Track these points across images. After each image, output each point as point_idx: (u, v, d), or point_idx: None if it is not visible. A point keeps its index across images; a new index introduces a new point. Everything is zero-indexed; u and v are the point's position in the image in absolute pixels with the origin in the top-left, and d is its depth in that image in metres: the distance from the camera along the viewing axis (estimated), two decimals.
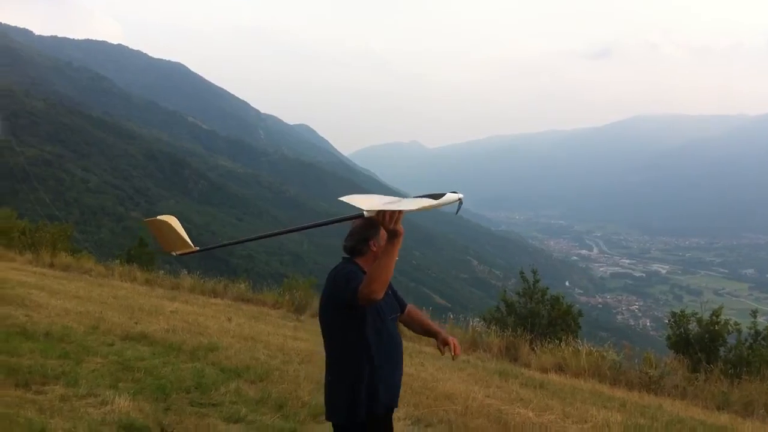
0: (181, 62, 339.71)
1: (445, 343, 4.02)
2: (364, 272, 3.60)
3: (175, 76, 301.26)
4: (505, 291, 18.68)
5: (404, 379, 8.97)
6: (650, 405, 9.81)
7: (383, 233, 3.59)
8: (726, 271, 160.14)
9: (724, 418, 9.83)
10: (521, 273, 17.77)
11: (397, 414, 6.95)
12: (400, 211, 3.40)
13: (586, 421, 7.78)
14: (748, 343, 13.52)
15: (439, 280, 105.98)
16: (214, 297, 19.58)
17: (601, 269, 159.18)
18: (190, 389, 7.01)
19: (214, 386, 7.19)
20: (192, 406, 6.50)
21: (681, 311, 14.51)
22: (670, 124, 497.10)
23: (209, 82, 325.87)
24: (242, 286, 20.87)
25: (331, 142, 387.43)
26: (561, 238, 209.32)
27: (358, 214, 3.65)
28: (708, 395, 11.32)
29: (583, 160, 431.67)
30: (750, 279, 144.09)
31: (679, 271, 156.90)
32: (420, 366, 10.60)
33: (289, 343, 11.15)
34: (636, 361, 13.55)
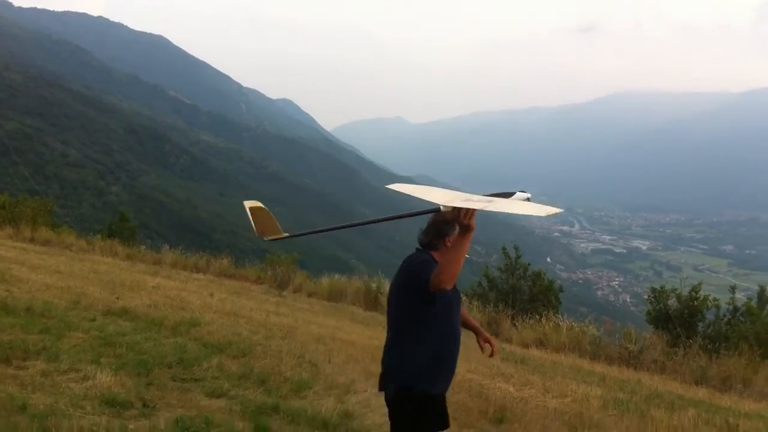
0: (163, 35, 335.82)
1: (486, 341, 4.42)
2: (437, 263, 3.73)
3: (157, 49, 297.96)
4: (487, 267, 18.78)
5: None
6: (629, 379, 9.93)
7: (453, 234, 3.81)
8: (706, 247, 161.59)
9: (702, 393, 9.98)
10: (503, 249, 17.85)
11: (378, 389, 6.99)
12: (474, 209, 3.48)
13: (566, 396, 7.86)
14: (726, 319, 13.70)
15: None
16: (197, 272, 19.55)
17: (582, 245, 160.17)
18: (172, 364, 6.99)
19: (196, 361, 7.18)
20: (174, 381, 6.49)
21: (661, 287, 14.64)
22: (653, 101, 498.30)
23: (191, 56, 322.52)
24: (225, 261, 20.85)
25: (313, 117, 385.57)
26: None
27: (435, 209, 3.73)
28: (686, 370, 11.47)
29: (566, 137, 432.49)
30: (729, 255, 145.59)
31: (660, 248, 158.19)
32: None
33: (272, 319, 11.16)
34: (616, 336, 13.69)
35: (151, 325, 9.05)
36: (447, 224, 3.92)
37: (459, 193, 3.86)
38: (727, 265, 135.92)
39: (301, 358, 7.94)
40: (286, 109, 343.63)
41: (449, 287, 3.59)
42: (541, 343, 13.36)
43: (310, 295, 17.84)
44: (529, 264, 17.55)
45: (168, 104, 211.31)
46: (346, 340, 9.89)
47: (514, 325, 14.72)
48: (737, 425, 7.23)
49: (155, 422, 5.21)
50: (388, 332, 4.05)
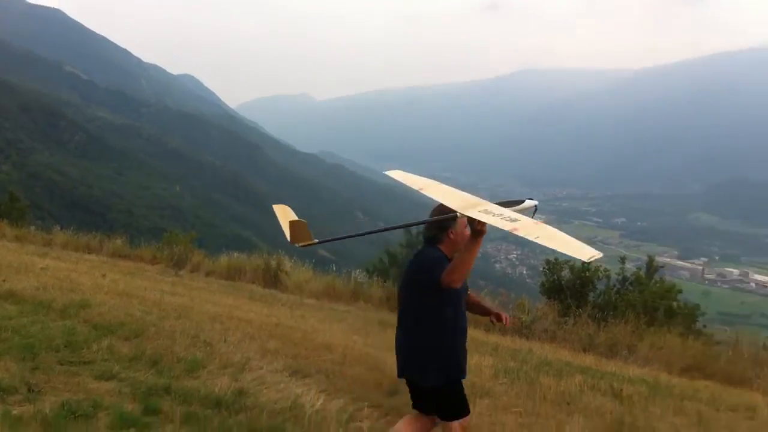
0: (59, 8, 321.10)
1: (497, 317, 4.74)
2: (447, 257, 4.20)
3: (53, 23, 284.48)
4: (388, 243, 18.93)
5: (284, 330, 9.02)
6: (521, 349, 10.25)
7: (461, 222, 4.21)
8: (600, 220, 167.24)
9: (589, 359, 10.41)
10: None
11: (275, 366, 6.99)
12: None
13: None
14: (615, 288, 14.30)
15: (324, 232, 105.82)
16: (89, 253, 18.95)
17: None
18: (59, 347, 6.78)
19: (85, 344, 6.98)
20: (61, 364, 6.30)
21: (555, 259, 15.09)
22: (556, 77, 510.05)
23: (89, 30, 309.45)
24: (119, 241, 20.24)
25: (217, 93, 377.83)
26: None
27: (453, 216, 4.15)
28: (575, 338, 11.93)
29: (470, 114, 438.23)
30: (621, 227, 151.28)
31: (556, 221, 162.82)
32: (301, 318, 10.67)
33: (167, 299, 10.96)
34: (510, 307, 14.05)
35: (39, 307, 8.72)
36: (448, 218, 4.23)
37: (473, 198, 4.16)
38: (619, 236, 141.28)
39: (195, 337, 7.84)
40: (188, 85, 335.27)
41: (459, 285, 3.98)
42: None
43: (207, 274, 17.56)
44: None
45: (64, 80, 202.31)
46: (244, 318, 9.82)
47: None
48: (621, 389, 7.58)
49: (40, 407, 5.07)
50: (400, 324, 4.42)
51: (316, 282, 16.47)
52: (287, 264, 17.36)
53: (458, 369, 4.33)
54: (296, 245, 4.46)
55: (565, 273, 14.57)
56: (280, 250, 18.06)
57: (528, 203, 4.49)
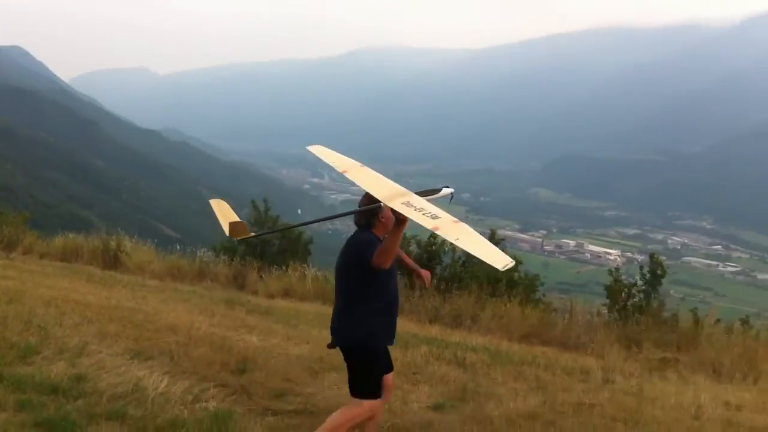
0: None
1: (418, 276, 5.26)
2: (379, 239, 4.59)
3: None
4: None
5: (124, 313, 8.67)
6: None
7: (386, 207, 4.51)
8: None
9: (435, 330, 10.70)
10: (253, 202, 17.81)
11: (115, 349, 6.72)
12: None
13: (308, 342, 8.05)
14: (461, 261, 14.71)
15: (168, 211, 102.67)
16: None
17: (332, 197, 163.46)
18: None
19: None
20: None
21: (403, 234, 15.34)
22: (401, 55, 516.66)
23: None
24: None
25: (49, 66, 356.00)
26: (294, 168, 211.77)
27: (377, 206, 4.55)
28: (422, 310, 12.23)
29: (317, 91, 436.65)
30: (466, 203, 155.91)
31: None
32: (142, 300, 10.29)
33: None
34: None
35: None
36: (373, 208, 4.64)
37: (396, 188, 4.55)
38: (465, 211, 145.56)
39: (28, 322, 7.37)
40: (16, 57, 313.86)
41: (387, 266, 4.38)
42: (287, 294, 13.58)
43: (42, 256, 16.56)
44: (278, 216, 17.65)
45: None
46: (81, 301, 9.34)
47: (261, 277, 14.80)
48: (464, 358, 7.83)
49: None
50: (337, 300, 4.77)
51: (159, 262, 15.97)
52: (127, 244, 16.70)
53: (388, 336, 4.73)
54: (234, 239, 4.92)
55: (413, 248, 14.85)
56: (119, 230, 17.36)
57: (445, 191, 4.92)
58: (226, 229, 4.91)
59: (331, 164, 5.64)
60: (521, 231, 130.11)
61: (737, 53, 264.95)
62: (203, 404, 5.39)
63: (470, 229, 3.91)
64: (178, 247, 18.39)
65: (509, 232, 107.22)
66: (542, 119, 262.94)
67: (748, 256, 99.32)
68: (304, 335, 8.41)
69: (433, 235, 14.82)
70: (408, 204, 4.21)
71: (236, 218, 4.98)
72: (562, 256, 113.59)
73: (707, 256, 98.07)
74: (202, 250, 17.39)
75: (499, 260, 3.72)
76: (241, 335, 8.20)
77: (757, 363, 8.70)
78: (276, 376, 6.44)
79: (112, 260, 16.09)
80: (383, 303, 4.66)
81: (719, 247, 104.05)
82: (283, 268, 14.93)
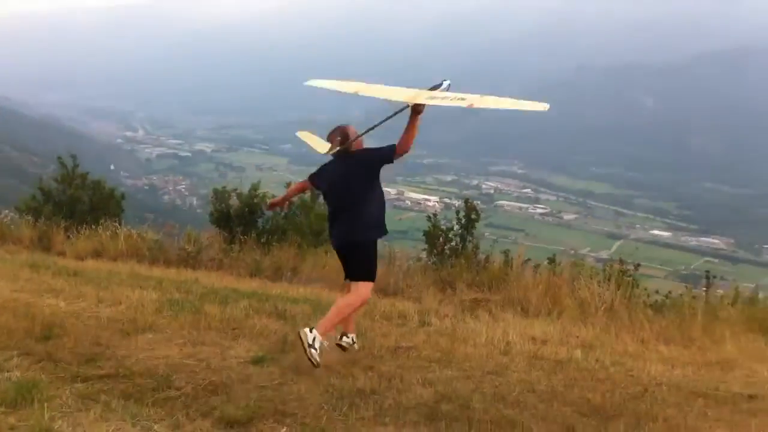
0: None
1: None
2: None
3: None
4: (41, 178, 17.65)
5: None
6: (187, 279, 10.10)
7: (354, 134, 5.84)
8: (267, 147, 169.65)
9: (255, 284, 10.59)
10: (59, 159, 16.92)
11: None
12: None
13: (120, 303, 7.72)
14: (283, 213, 14.67)
15: None
16: None
17: (147, 151, 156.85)
18: None
19: None
20: None
21: (223, 187, 15.07)
22: (209, 2, 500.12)
23: None
24: None
25: None
26: (106, 120, 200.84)
27: (405, 107, 5.28)
28: (242, 264, 12.09)
29: (123, 38, 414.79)
30: (288, 153, 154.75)
31: (224, 149, 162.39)
32: None
33: None
34: (177, 239, 13.81)
35: None
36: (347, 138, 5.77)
37: (410, 90, 5.35)
38: (286, 163, 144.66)
39: None
40: None
41: (408, 152, 5.44)
42: (98, 254, 12.98)
43: None
44: (87, 173, 16.82)
45: None
46: None
47: (69, 237, 14.04)
48: (285, 310, 7.81)
49: None
50: (339, 214, 5.80)
51: None
52: None
53: (384, 226, 5.89)
54: (329, 154, 5.81)
55: (234, 201, 14.62)
56: None
57: (444, 84, 5.44)
58: (324, 149, 5.93)
59: (340, 90, 6.50)
60: None
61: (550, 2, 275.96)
62: (6, 374, 5.05)
63: (498, 98, 4.69)
64: None
65: None
66: (366, 66, 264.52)
67: (555, 198, 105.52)
68: (116, 296, 8.04)
69: (254, 188, 14.69)
70: (432, 98, 5.13)
71: (325, 143, 6.00)
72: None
73: (519, 200, 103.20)
74: (4, 211, 16.31)
75: (539, 106, 4.55)
76: (46, 300, 7.74)
77: (561, 299, 9.29)
78: (85, 340, 6.11)
79: None
80: (380, 201, 5.79)
81: (529, 190, 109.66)
82: (94, 227, 14.23)
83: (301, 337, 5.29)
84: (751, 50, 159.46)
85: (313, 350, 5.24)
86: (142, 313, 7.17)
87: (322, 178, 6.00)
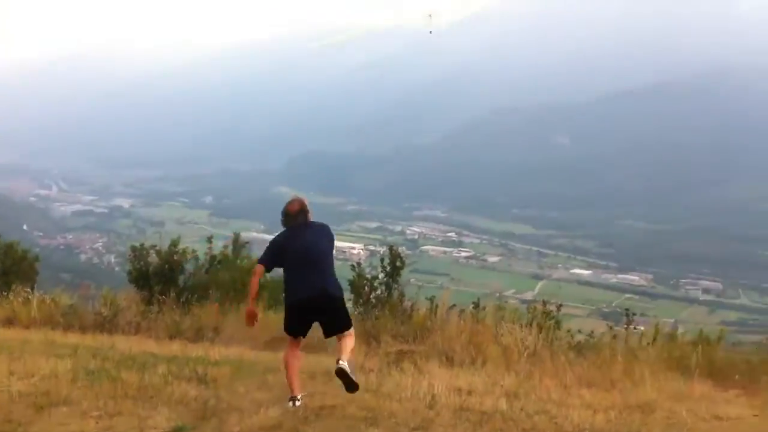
0: None
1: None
2: None
3: None
4: None
5: None
6: (103, 346, 9.79)
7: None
8: (187, 200, 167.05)
9: (174, 346, 10.29)
10: None
11: None
12: None
13: (33, 375, 7.43)
14: (205, 269, 14.36)
15: None
16: None
17: (61, 208, 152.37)
18: None
19: None
20: None
21: (141, 244, 14.66)
22: (126, 57, 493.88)
23: None
24: None
25: None
26: (19, 178, 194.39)
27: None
28: (161, 326, 11.75)
29: (37, 95, 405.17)
30: (209, 206, 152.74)
31: (143, 204, 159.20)
32: None
33: None
34: (92, 301, 13.38)
35: None
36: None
37: None
38: (207, 216, 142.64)
39: None
40: None
41: None
42: (9, 322, 12.45)
43: None
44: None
45: None
46: None
47: None
48: (206, 374, 7.62)
49: None
50: (315, 273, 6.46)
51: None
52: None
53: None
54: None
55: (153, 258, 14.23)
56: None
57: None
58: None
59: None
60: (267, 232, 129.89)
61: (462, 48, 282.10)
62: None
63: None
64: None
65: (255, 234, 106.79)
66: (280, 117, 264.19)
67: (479, 240, 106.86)
68: (28, 367, 7.72)
69: (173, 243, 14.35)
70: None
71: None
72: None
73: (443, 243, 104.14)
74: None
75: None
76: None
77: (485, 346, 9.35)
78: None
79: None
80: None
81: (453, 234, 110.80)
82: (5, 293, 13.68)
83: (343, 370, 5.96)
84: (664, 85, 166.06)
85: (354, 376, 6.06)
86: (56, 384, 6.90)
87: (283, 249, 6.72)
